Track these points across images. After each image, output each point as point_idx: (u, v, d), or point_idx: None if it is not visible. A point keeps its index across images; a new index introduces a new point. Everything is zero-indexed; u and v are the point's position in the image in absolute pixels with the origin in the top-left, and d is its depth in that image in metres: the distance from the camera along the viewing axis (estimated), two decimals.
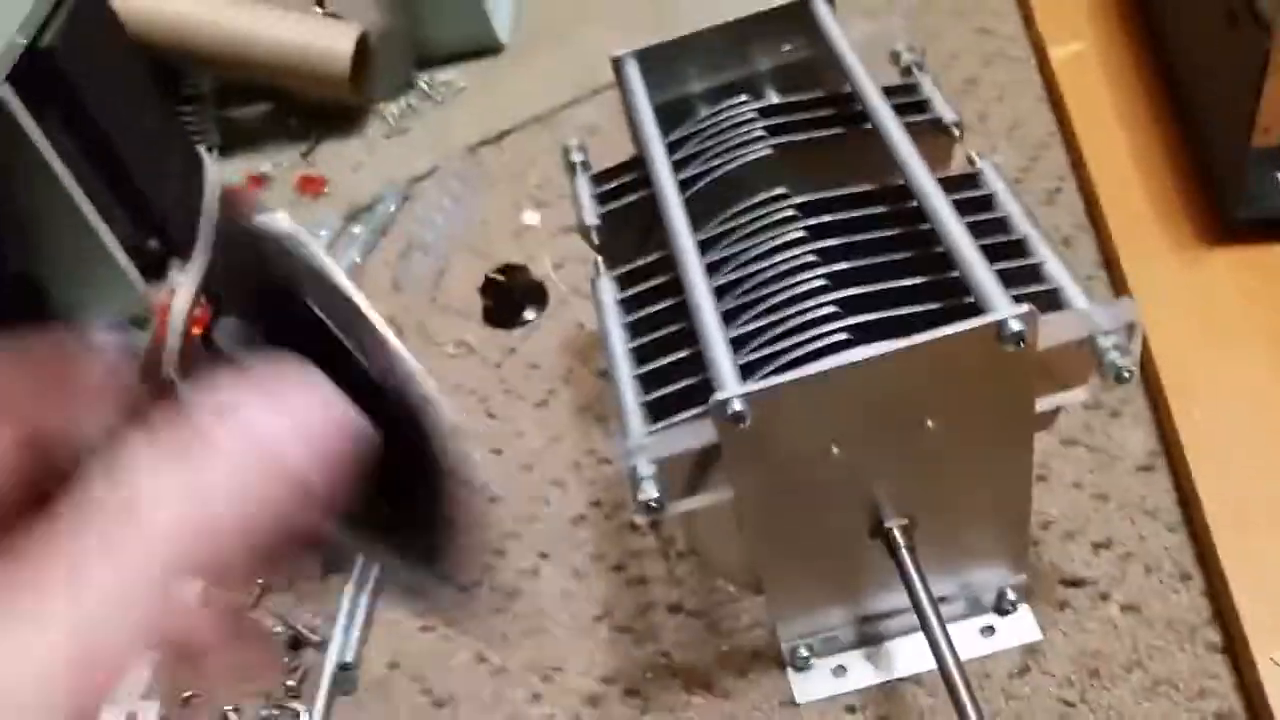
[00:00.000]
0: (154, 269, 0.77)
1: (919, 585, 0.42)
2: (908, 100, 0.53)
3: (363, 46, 0.84)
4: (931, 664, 0.42)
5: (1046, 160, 0.71)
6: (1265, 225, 0.60)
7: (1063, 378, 0.43)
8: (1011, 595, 0.49)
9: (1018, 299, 0.39)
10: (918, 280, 0.44)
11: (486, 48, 0.92)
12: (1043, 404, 0.43)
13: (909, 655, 0.49)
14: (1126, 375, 0.40)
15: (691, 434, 0.41)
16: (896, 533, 0.43)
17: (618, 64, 0.55)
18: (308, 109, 0.89)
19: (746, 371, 0.42)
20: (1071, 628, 0.48)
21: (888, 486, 0.43)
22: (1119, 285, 0.62)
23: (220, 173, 0.86)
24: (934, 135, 0.52)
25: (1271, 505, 0.49)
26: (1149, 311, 0.60)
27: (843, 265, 0.45)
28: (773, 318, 0.44)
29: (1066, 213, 0.68)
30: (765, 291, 0.45)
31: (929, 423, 0.41)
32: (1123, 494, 0.53)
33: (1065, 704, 0.46)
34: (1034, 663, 0.48)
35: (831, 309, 0.43)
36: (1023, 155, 0.72)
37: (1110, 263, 0.64)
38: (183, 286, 0.83)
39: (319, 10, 0.86)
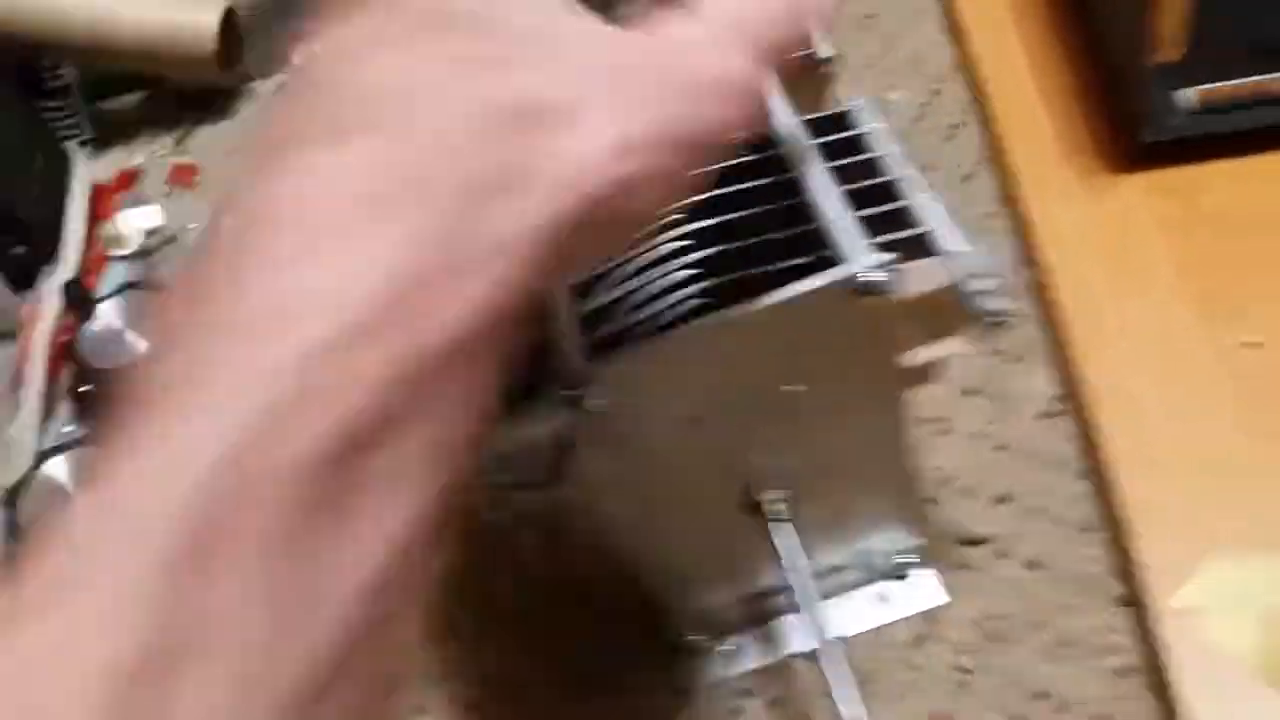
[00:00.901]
0: (22, 277, 0.71)
1: (790, 561, 0.39)
2: None
3: (230, 22, 0.79)
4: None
5: (947, 95, 0.68)
6: (1175, 146, 0.57)
7: (942, 326, 0.40)
8: (907, 559, 0.46)
9: (885, 247, 0.36)
10: (787, 233, 0.40)
11: None
12: (918, 357, 0.40)
13: (802, 630, 0.46)
14: (1000, 319, 0.37)
15: (535, 423, 0.37)
16: (765, 507, 0.40)
17: None
18: (181, 94, 0.84)
19: (600, 348, 0.38)
20: (971, 589, 0.46)
21: (759, 460, 0.40)
22: (1021, 221, 0.59)
23: (90, 169, 0.81)
24: (808, 74, 0.48)
25: (1177, 449, 0.46)
26: (1053, 247, 0.57)
27: (707, 222, 0.41)
28: (629, 286, 0.41)
29: (968, 148, 0.64)
30: (621, 258, 0.42)
31: (796, 387, 0.38)
32: (1024, 443, 0.50)
33: (962, 671, 0.43)
34: (932, 630, 0.45)
35: (689, 271, 0.40)
36: (924, 90, 0.68)
37: (1012, 198, 0.61)
38: (48, 295, 0.76)
39: None
